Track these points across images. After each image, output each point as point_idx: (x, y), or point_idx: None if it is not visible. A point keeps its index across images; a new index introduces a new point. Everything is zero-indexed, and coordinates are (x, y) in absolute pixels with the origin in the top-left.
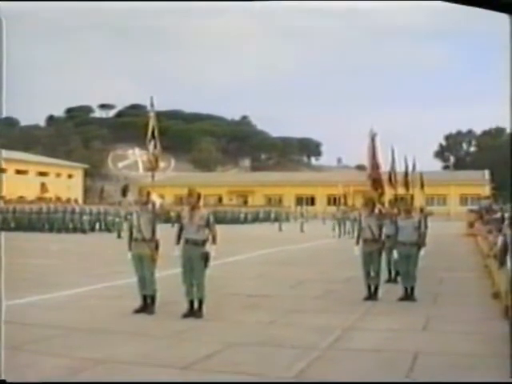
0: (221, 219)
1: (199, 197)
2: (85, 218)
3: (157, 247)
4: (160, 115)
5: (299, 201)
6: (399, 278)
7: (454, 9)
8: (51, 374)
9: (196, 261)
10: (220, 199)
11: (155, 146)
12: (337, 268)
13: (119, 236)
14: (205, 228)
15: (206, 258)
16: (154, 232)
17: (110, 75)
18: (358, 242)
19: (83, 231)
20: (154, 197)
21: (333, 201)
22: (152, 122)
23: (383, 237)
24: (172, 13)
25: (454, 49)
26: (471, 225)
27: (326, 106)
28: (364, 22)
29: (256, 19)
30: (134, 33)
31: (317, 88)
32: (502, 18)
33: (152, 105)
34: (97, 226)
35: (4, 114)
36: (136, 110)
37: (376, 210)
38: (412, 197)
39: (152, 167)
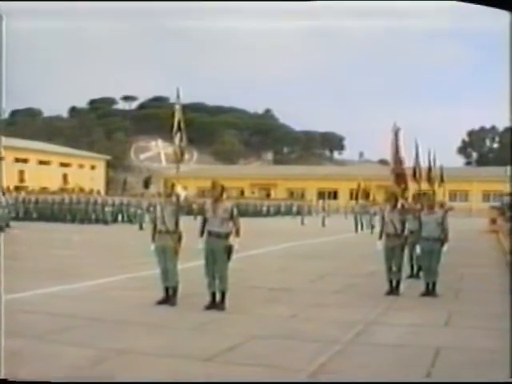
0: (243, 212)
1: (223, 189)
2: (107, 209)
3: (180, 239)
4: (183, 108)
5: (321, 195)
6: (421, 274)
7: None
8: (74, 364)
9: (219, 253)
10: (242, 192)
11: (181, 139)
12: (358, 262)
13: (141, 227)
14: (228, 221)
15: (229, 250)
16: (177, 224)
17: (132, 67)
18: (380, 237)
19: (105, 222)
20: (179, 189)
21: (355, 195)
22: (178, 115)
23: (406, 232)
24: (197, 8)
25: (475, 46)
26: (493, 221)
27: (349, 101)
28: (386, 21)
29: (282, 17)
30: (157, 26)
31: (340, 83)
32: None
33: (178, 97)
34: (119, 217)
35: (7, 108)
36: (158, 102)
37: (399, 205)
38: (434, 192)
39: (177, 159)
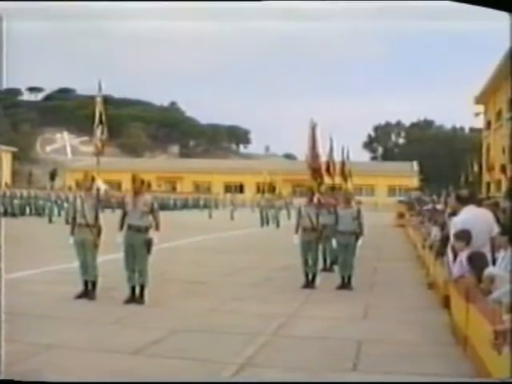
0: None
1: (143, 183)
2: (15, 201)
3: (99, 233)
4: (89, 100)
5: (228, 188)
6: (335, 267)
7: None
8: (2, 359)
9: (139, 247)
10: (149, 185)
11: (102, 132)
12: (271, 256)
13: (50, 220)
14: (148, 214)
15: (148, 244)
16: (97, 218)
17: (38, 58)
18: (297, 231)
19: (13, 215)
20: (99, 182)
21: (262, 189)
22: (99, 108)
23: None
24: (107, 4)
25: (390, 42)
26: (401, 215)
27: (255, 95)
28: (297, 12)
29: (187, 13)
30: (65, 17)
31: (247, 77)
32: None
33: (100, 89)
34: (27, 210)
35: None
36: (65, 93)
37: (315, 200)
38: (340, 187)
39: (98, 152)
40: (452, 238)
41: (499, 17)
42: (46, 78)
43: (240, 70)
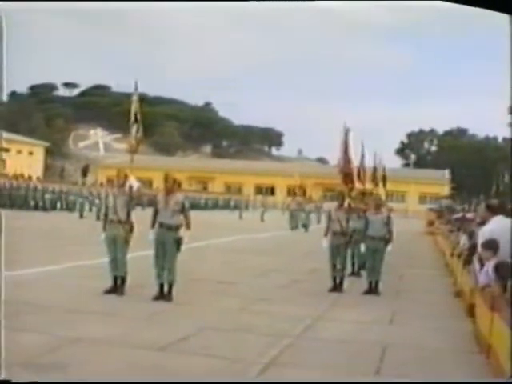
0: None
1: (175, 182)
2: (47, 196)
3: (131, 229)
4: (124, 97)
5: (259, 190)
6: (362, 272)
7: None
8: (29, 351)
9: (169, 245)
10: (179, 185)
11: (137, 130)
12: (299, 259)
13: (81, 216)
14: (179, 213)
15: (179, 243)
16: (129, 214)
17: (74, 55)
18: (326, 234)
19: (45, 209)
20: (132, 180)
21: (293, 192)
22: (135, 106)
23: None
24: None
25: (418, 48)
26: (431, 223)
27: (290, 98)
28: (336, 20)
29: (225, 11)
30: (100, 15)
31: (282, 79)
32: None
33: (136, 89)
34: (58, 204)
35: None
36: (100, 90)
37: (345, 204)
38: (371, 192)
39: (133, 150)
40: (479, 247)
41: None
42: (82, 74)
43: (275, 73)
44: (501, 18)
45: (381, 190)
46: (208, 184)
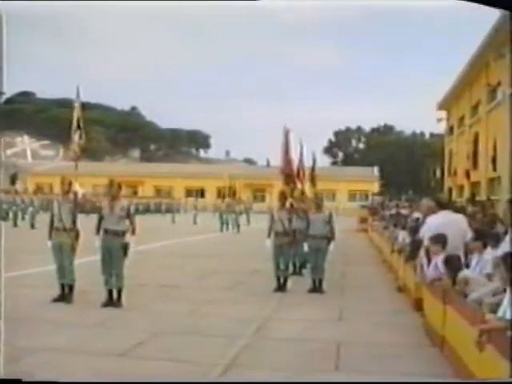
0: None
1: (120, 188)
2: None
3: (77, 237)
4: (49, 103)
5: (189, 193)
6: (304, 271)
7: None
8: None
9: (116, 251)
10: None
11: (80, 136)
12: (239, 260)
13: (15, 224)
14: (125, 219)
15: (125, 248)
16: (74, 221)
17: None
18: (269, 235)
19: None
20: (77, 187)
21: (222, 193)
22: (77, 113)
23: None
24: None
25: (343, 47)
26: (363, 220)
27: (215, 100)
28: (265, 19)
29: (150, 14)
30: (24, 20)
31: (207, 82)
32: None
33: (78, 95)
34: None
35: None
36: (24, 96)
37: (287, 204)
38: (303, 192)
39: (76, 157)
40: (427, 242)
41: (468, 22)
42: (6, 81)
43: (200, 76)
44: (425, 11)
45: (311, 189)
46: (138, 188)
